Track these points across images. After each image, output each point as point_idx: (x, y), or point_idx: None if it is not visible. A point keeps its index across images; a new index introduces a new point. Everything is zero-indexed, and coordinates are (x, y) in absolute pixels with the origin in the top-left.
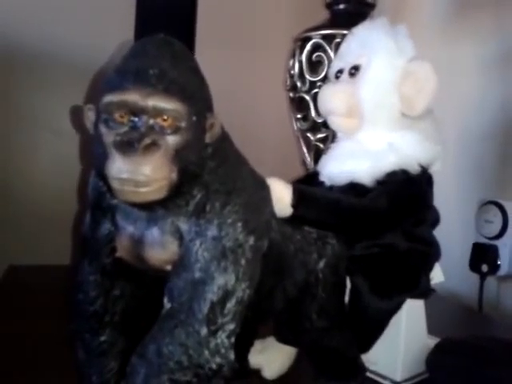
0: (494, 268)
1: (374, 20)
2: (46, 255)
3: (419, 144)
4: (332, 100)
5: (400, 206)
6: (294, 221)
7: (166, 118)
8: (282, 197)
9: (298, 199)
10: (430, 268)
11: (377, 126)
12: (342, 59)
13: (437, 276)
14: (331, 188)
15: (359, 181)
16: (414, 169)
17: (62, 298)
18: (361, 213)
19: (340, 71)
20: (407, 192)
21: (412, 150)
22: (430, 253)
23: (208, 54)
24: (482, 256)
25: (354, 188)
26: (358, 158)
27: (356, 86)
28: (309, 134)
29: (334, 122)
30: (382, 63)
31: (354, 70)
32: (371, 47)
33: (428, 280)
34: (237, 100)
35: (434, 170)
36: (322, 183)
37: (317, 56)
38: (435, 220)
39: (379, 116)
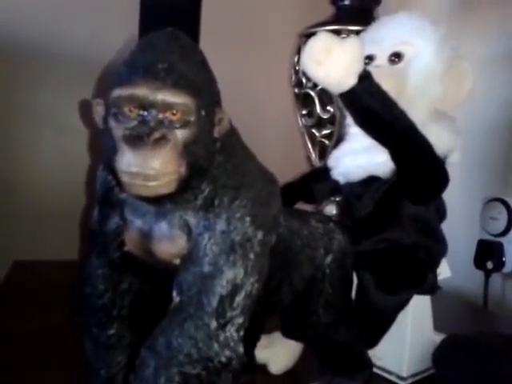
0: (499, 265)
1: (408, 12)
2: (49, 251)
3: (437, 134)
4: (381, 83)
5: (442, 166)
6: (348, 97)
7: (175, 112)
8: (355, 59)
9: (367, 75)
10: (436, 264)
11: (413, 115)
12: (373, 45)
13: (444, 271)
14: (344, 186)
15: (376, 174)
16: None
17: (68, 293)
18: (418, 137)
19: (370, 57)
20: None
21: (431, 140)
22: (437, 248)
23: (212, 50)
24: (487, 253)
25: (371, 181)
26: (374, 151)
27: (404, 73)
28: (314, 130)
29: None
30: (430, 53)
31: (395, 57)
32: (416, 36)
33: (435, 276)
34: (241, 96)
35: (451, 162)
36: (329, 179)
37: None
38: (443, 213)
39: (420, 106)
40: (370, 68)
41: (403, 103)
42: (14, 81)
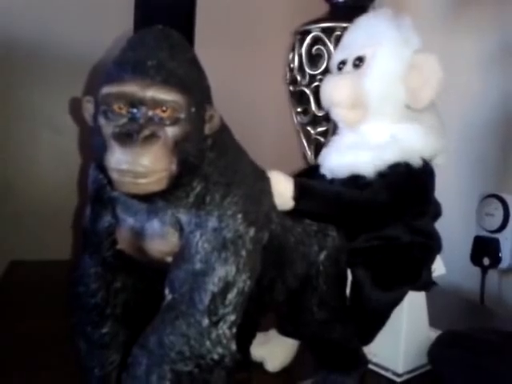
0: (496, 261)
1: (378, 11)
2: (47, 251)
3: (422, 137)
4: (336, 91)
5: (401, 199)
6: (295, 214)
7: (164, 109)
8: (283, 190)
9: (300, 192)
10: (431, 260)
11: (381, 118)
12: (344, 50)
13: (438, 268)
14: (332, 181)
15: (360, 173)
16: (416, 162)
17: (64, 293)
18: (362, 206)
19: (343, 62)
20: (408, 185)
21: (415, 142)
22: (432, 245)
23: (207, 49)
24: (484, 249)
25: (354, 180)
26: (359, 149)
27: (361, 78)
28: (309, 128)
29: (338, 114)
30: (388, 54)
31: (359, 61)
32: (376, 38)
33: (429, 272)
34: (236, 94)
35: (436, 164)
36: (323, 176)
37: (316, 49)
38: (437, 213)
39: (384, 108)
40: (339, 74)
41: (366, 106)
42: (10, 81)
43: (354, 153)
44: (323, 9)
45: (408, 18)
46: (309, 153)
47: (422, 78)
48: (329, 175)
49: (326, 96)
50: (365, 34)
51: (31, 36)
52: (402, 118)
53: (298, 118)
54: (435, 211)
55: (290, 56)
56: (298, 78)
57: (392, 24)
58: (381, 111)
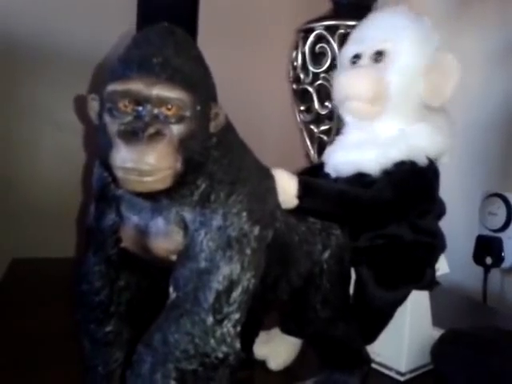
0: (498, 260)
1: (396, 8)
2: (48, 248)
3: (429, 136)
4: (356, 84)
5: (406, 198)
6: (299, 212)
7: (170, 107)
8: (287, 188)
9: (304, 190)
10: (435, 260)
11: (397, 115)
12: (359, 44)
13: (442, 267)
14: (336, 179)
15: (365, 171)
16: (421, 160)
17: (66, 291)
18: (366, 204)
19: (357, 56)
20: (413, 183)
21: (421, 141)
22: (435, 244)
23: (210, 46)
24: (486, 248)
25: (359, 178)
26: (364, 147)
27: (382, 71)
28: (312, 126)
29: (355, 108)
30: (412, 50)
31: (378, 56)
32: (397, 33)
33: (433, 272)
34: (239, 92)
35: (441, 163)
36: (326, 175)
37: (320, 47)
38: (441, 212)
39: (402, 104)
40: (355, 67)
41: (385, 101)
42: (13, 79)
43: (360, 150)
44: (326, 7)
45: (427, 17)
46: (312, 151)
47: (443, 76)
48: (333, 173)
49: (342, 88)
50: (384, 29)
51: (34, 34)
52: (417, 116)
53: (301, 116)
54: (439, 210)
55: (294, 54)
56: (302, 76)
57: (412, 21)
58: (399, 108)
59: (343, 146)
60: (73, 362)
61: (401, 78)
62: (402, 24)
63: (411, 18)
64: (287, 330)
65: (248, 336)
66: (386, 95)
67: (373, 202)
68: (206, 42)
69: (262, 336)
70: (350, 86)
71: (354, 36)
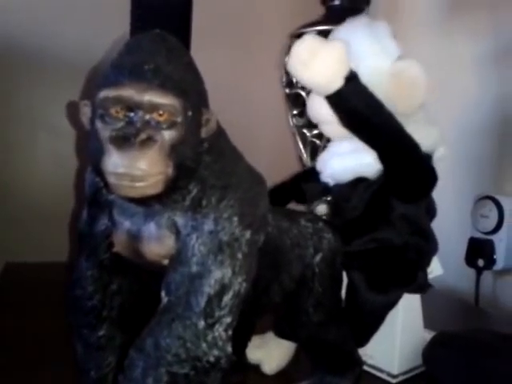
0: (490, 263)
1: (353, 21)
2: (43, 253)
3: (416, 132)
4: (322, 108)
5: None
6: (331, 101)
7: (161, 113)
8: (341, 61)
9: (353, 75)
10: (426, 263)
11: None
12: None
13: (435, 269)
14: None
15: (364, 175)
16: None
17: (60, 295)
18: (402, 131)
19: None
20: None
21: (414, 135)
22: (427, 247)
23: (203, 51)
24: (478, 251)
25: (359, 183)
26: (360, 152)
27: None
28: (305, 130)
29: (327, 131)
30: (369, 69)
31: None
32: (355, 53)
33: (425, 275)
34: (232, 97)
35: (438, 157)
36: (318, 180)
37: None
38: (433, 211)
39: None
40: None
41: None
42: (8, 83)
43: (356, 156)
44: (319, 12)
45: (383, 24)
46: (304, 155)
47: (405, 85)
48: (330, 181)
49: (312, 113)
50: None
51: (29, 39)
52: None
53: (294, 120)
54: (432, 209)
55: (286, 59)
56: (294, 80)
57: (368, 35)
58: None
59: (339, 153)
60: (68, 366)
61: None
62: (358, 42)
63: (366, 32)
64: (281, 334)
65: (240, 340)
66: None
67: (409, 143)
68: (199, 46)
69: (256, 340)
70: (317, 110)
71: None
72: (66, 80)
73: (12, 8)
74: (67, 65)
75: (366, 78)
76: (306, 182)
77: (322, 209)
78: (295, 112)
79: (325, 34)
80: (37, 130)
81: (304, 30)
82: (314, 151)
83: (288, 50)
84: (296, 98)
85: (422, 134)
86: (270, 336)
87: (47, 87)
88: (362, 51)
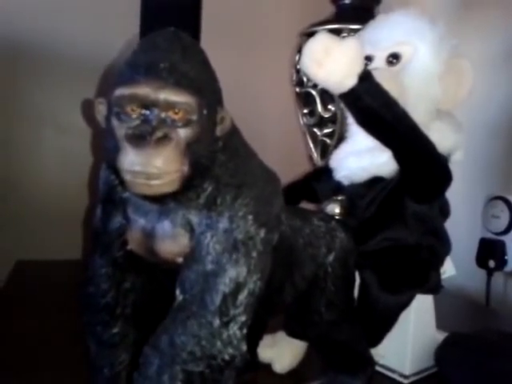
0: (501, 263)
1: (408, 11)
2: (52, 251)
3: (439, 133)
4: None
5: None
6: (346, 100)
7: (177, 111)
8: (355, 59)
9: (367, 74)
10: (439, 263)
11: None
12: (371, 46)
13: (448, 270)
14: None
15: (380, 174)
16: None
17: (71, 293)
18: (418, 135)
19: (368, 58)
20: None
21: (433, 138)
22: (440, 247)
23: (213, 50)
24: (489, 251)
25: (374, 182)
26: (377, 151)
27: (400, 75)
28: (315, 129)
29: None
30: (430, 54)
31: (393, 58)
32: (414, 37)
33: (438, 275)
34: (243, 95)
35: (454, 160)
36: (330, 179)
37: None
38: (447, 211)
39: (419, 107)
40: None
41: (402, 105)
42: (16, 81)
43: (372, 155)
44: (330, 10)
45: (441, 21)
46: (315, 154)
47: (457, 80)
48: (345, 181)
49: None
50: (400, 31)
51: (37, 37)
52: (430, 119)
53: (304, 119)
54: (445, 209)
55: (297, 57)
56: (304, 79)
57: (428, 24)
58: (415, 111)
59: (353, 153)
60: (75, 365)
61: (418, 80)
62: (417, 27)
63: (425, 20)
64: (292, 333)
65: (252, 338)
66: (403, 99)
67: (425, 142)
68: (209, 45)
69: (268, 339)
70: None
71: (364, 38)
72: (73, 78)
73: (20, 6)
74: (74, 63)
75: (427, 63)
76: (317, 181)
77: (333, 208)
78: (305, 111)
79: (335, 33)
80: (44, 128)
81: (314, 29)
82: (325, 150)
83: (299, 48)
84: (306, 97)
85: (442, 136)
86: (282, 335)
87: (53, 85)
88: (422, 37)
